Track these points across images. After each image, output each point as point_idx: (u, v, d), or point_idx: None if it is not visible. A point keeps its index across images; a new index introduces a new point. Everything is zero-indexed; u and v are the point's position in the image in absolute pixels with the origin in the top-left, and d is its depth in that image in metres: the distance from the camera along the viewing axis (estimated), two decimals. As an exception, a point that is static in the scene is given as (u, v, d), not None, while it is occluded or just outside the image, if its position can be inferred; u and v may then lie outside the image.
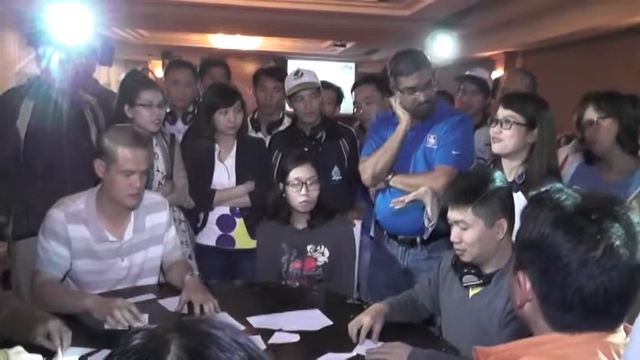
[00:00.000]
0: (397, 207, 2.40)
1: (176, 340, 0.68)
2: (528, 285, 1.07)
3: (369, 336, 1.94)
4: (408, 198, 2.36)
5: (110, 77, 9.46)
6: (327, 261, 2.61)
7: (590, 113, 2.48)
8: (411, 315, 2.15)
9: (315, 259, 2.61)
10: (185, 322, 0.73)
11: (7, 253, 3.61)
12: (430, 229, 2.39)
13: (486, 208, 1.83)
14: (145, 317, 1.99)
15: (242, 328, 1.93)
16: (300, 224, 2.65)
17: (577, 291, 1.00)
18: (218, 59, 4.30)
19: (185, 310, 2.11)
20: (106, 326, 1.93)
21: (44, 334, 1.71)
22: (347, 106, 4.01)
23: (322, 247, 2.62)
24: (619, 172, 2.46)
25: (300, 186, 2.55)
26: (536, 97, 2.56)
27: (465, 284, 1.93)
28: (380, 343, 1.91)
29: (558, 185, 1.12)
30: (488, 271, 1.89)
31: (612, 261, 0.99)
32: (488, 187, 1.84)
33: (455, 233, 1.88)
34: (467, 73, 3.96)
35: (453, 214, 1.89)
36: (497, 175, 1.92)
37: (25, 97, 2.79)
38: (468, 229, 1.85)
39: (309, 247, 2.61)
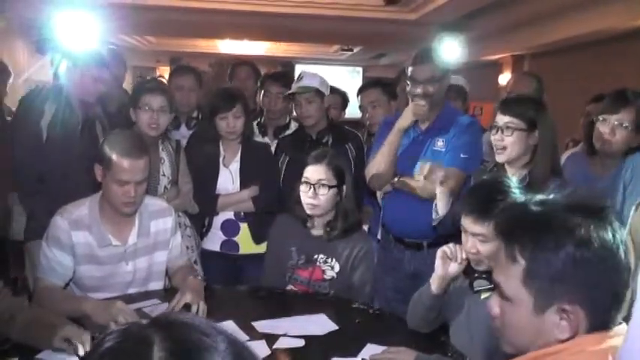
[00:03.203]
0: (425, 170, 2.40)
1: (157, 334, 0.66)
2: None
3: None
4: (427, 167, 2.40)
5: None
6: (335, 276, 2.41)
7: (625, 117, 2.41)
8: None
9: (324, 272, 2.43)
10: (161, 317, 0.72)
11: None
12: (435, 222, 2.36)
13: None
14: None
15: (246, 337, 1.91)
16: (317, 230, 2.46)
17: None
18: (244, 59, 4.26)
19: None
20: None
21: (63, 338, 1.71)
22: (355, 111, 3.98)
23: (333, 260, 2.42)
24: (607, 167, 2.53)
25: (308, 187, 2.38)
26: (533, 98, 2.54)
27: (475, 289, 1.88)
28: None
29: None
30: None
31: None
32: (508, 199, 1.76)
33: (471, 244, 1.83)
34: None
35: (472, 227, 1.82)
36: (513, 183, 1.84)
37: (49, 99, 2.84)
38: (486, 242, 1.80)
39: (319, 257, 2.43)
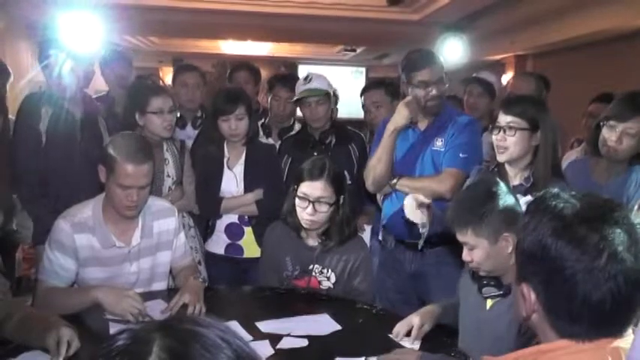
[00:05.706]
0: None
1: (159, 340, 0.67)
2: (533, 297, 1.07)
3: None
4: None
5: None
6: (331, 287, 2.37)
7: (634, 126, 2.36)
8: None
9: (320, 282, 2.38)
10: (169, 321, 0.72)
11: (22, 259, 3.67)
12: (424, 235, 2.34)
13: (486, 227, 1.75)
14: None
15: (250, 337, 1.91)
16: (312, 240, 2.40)
17: (584, 301, 0.99)
18: (242, 63, 4.20)
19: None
20: (109, 317, 1.95)
21: (55, 339, 1.70)
22: (358, 111, 3.96)
23: (329, 271, 2.37)
24: (611, 174, 2.48)
25: (307, 203, 2.29)
26: (534, 98, 2.51)
27: (484, 295, 1.88)
28: (417, 344, 1.92)
29: (554, 190, 1.09)
30: (508, 280, 1.83)
31: (617, 267, 0.98)
32: (486, 205, 1.76)
33: (465, 253, 1.84)
34: (473, 75, 3.94)
35: (458, 237, 1.84)
36: (499, 187, 1.82)
37: (45, 103, 2.84)
38: (474, 249, 1.80)
39: (314, 267, 2.37)
